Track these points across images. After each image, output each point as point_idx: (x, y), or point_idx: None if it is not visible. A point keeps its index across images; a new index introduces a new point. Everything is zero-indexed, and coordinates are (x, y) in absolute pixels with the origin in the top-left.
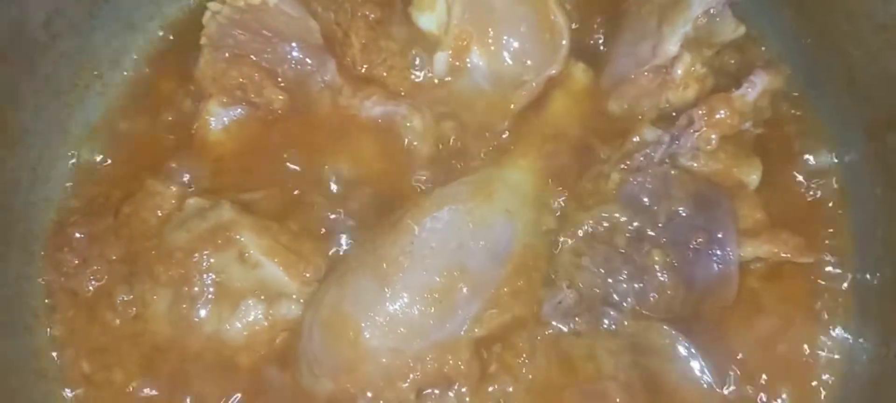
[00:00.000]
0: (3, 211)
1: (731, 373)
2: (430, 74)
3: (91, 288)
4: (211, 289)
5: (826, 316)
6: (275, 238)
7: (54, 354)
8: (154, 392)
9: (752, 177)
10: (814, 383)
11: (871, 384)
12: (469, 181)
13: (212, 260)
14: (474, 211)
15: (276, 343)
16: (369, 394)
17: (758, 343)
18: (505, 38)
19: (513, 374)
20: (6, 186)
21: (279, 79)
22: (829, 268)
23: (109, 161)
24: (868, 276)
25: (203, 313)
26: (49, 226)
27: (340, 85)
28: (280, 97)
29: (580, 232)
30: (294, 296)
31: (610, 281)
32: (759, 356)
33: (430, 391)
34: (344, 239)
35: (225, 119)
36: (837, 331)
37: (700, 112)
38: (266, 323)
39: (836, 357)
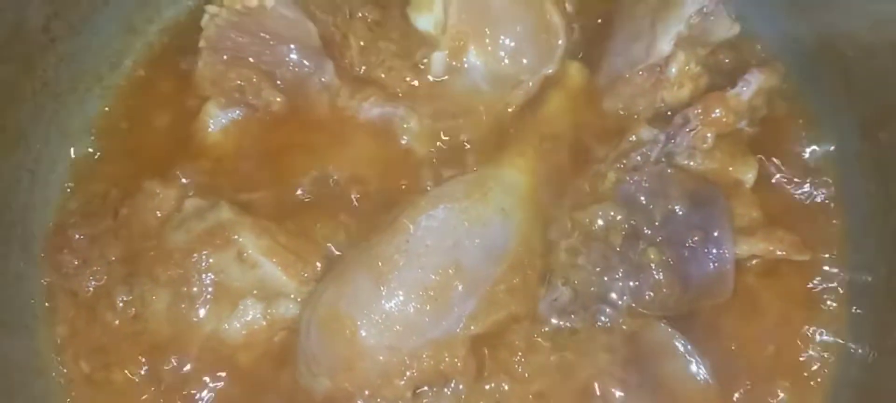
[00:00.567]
0: (3, 212)
1: (728, 370)
2: (428, 75)
3: (91, 288)
4: (210, 289)
5: (822, 313)
6: (273, 238)
7: (54, 354)
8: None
9: (748, 175)
10: (810, 379)
11: (867, 380)
12: (465, 180)
13: (211, 261)
14: (470, 209)
15: (274, 342)
16: (366, 392)
17: (754, 341)
18: (501, 37)
19: (509, 372)
20: (5, 187)
21: (277, 81)
22: (824, 266)
23: (108, 162)
24: (863, 273)
25: (202, 313)
26: (48, 227)
27: (338, 86)
28: (278, 99)
29: (576, 231)
30: (292, 296)
31: (606, 279)
32: (755, 353)
33: (426, 388)
34: (341, 240)
35: (223, 120)
36: (833, 328)
37: (696, 111)
38: (264, 323)
39: (832, 353)
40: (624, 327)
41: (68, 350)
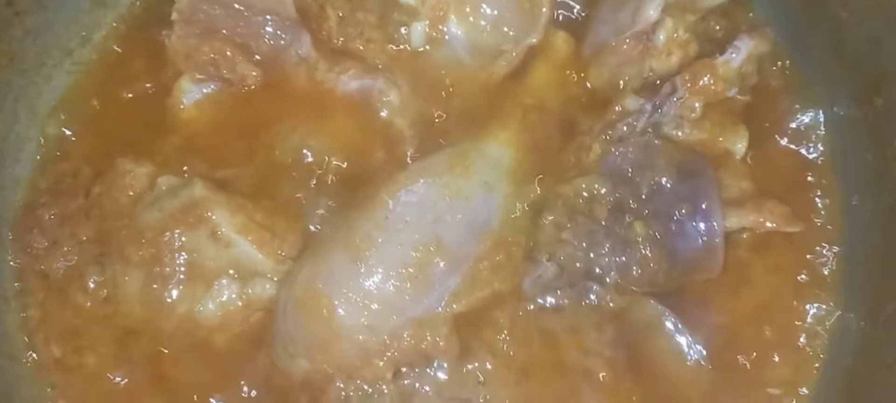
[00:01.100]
0: None
1: (720, 347)
2: (407, 47)
3: (62, 269)
4: (183, 269)
5: (815, 285)
6: (249, 216)
7: (25, 337)
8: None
9: (738, 145)
10: (804, 353)
11: (862, 352)
12: (446, 153)
13: (184, 240)
14: (451, 184)
15: (250, 323)
16: (346, 373)
17: (746, 316)
18: (483, 6)
19: (493, 351)
20: None
21: (253, 55)
22: (818, 237)
23: (79, 140)
24: (858, 243)
25: (175, 293)
26: (18, 207)
27: (316, 59)
28: (253, 73)
29: (561, 205)
30: (269, 275)
31: (592, 255)
32: (747, 328)
33: (408, 369)
34: (319, 217)
35: (197, 95)
36: (827, 300)
37: (683, 79)
38: (240, 303)
39: (826, 326)
40: (611, 304)
41: (39, 334)
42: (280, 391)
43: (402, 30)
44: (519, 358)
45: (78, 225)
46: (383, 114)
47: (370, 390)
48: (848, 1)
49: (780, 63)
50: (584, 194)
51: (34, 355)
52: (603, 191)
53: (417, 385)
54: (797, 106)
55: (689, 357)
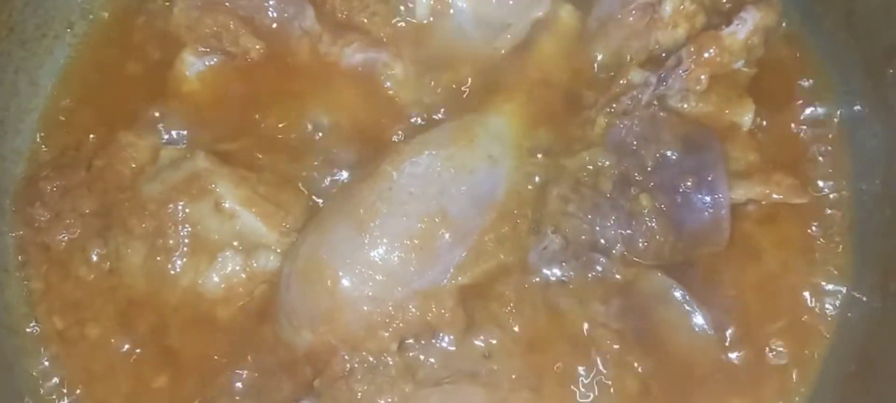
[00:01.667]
0: None
1: (727, 320)
2: (412, 19)
3: (64, 242)
4: (186, 241)
5: (824, 259)
6: (252, 188)
7: (27, 310)
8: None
9: (745, 117)
10: (811, 327)
11: (870, 325)
12: (450, 126)
13: (187, 212)
14: (455, 156)
15: (254, 295)
16: (350, 345)
17: (754, 289)
18: None
19: (498, 323)
20: None
21: (256, 27)
22: (826, 209)
23: (81, 112)
24: (867, 216)
25: (179, 265)
26: (19, 180)
27: (320, 32)
28: (257, 46)
29: (566, 178)
30: (273, 247)
31: (597, 227)
32: (755, 301)
33: (412, 341)
34: (323, 189)
35: (200, 68)
36: (835, 274)
37: (689, 50)
38: (244, 276)
39: (835, 300)
40: (617, 276)
41: (41, 306)
42: (284, 363)
43: (408, 2)
44: (524, 331)
45: (80, 197)
46: (387, 87)
47: (375, 361)
48: None
49: (788, 34)
50: (589, 167)
51: (37, 327)
52: (608, 163)
53: (422, 357)
54: (805, 77)
55: (696, 329)
